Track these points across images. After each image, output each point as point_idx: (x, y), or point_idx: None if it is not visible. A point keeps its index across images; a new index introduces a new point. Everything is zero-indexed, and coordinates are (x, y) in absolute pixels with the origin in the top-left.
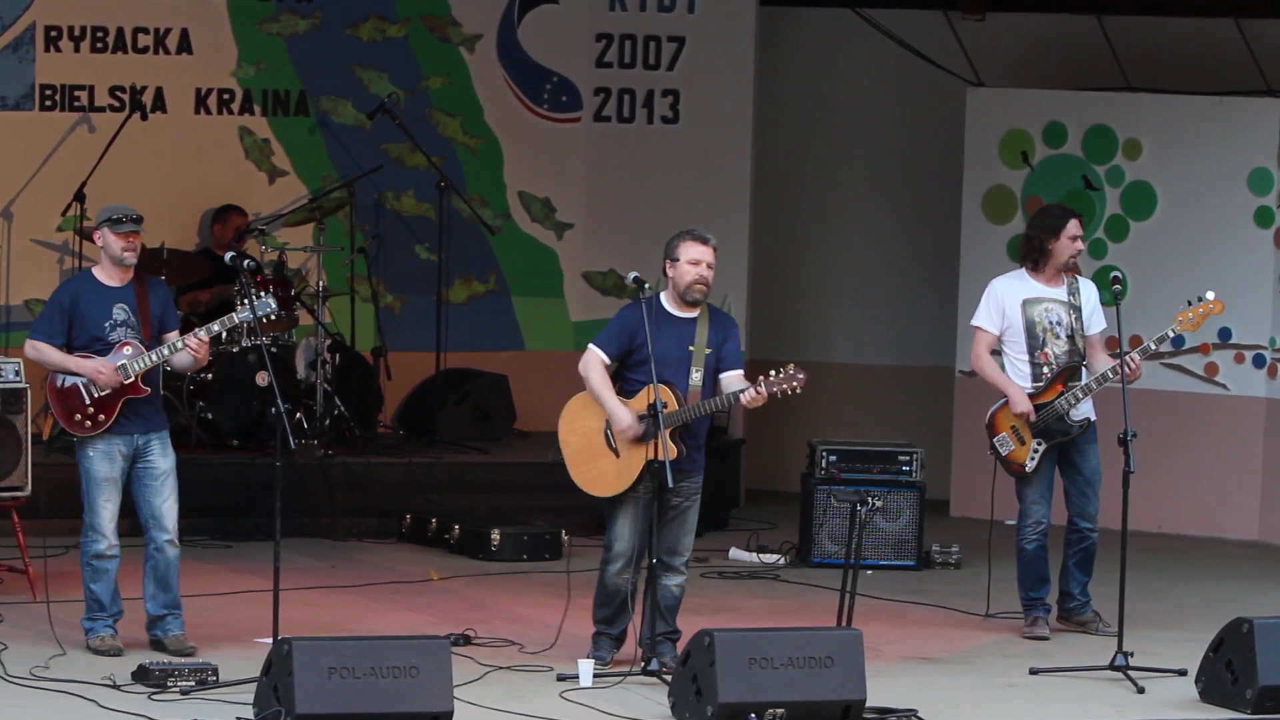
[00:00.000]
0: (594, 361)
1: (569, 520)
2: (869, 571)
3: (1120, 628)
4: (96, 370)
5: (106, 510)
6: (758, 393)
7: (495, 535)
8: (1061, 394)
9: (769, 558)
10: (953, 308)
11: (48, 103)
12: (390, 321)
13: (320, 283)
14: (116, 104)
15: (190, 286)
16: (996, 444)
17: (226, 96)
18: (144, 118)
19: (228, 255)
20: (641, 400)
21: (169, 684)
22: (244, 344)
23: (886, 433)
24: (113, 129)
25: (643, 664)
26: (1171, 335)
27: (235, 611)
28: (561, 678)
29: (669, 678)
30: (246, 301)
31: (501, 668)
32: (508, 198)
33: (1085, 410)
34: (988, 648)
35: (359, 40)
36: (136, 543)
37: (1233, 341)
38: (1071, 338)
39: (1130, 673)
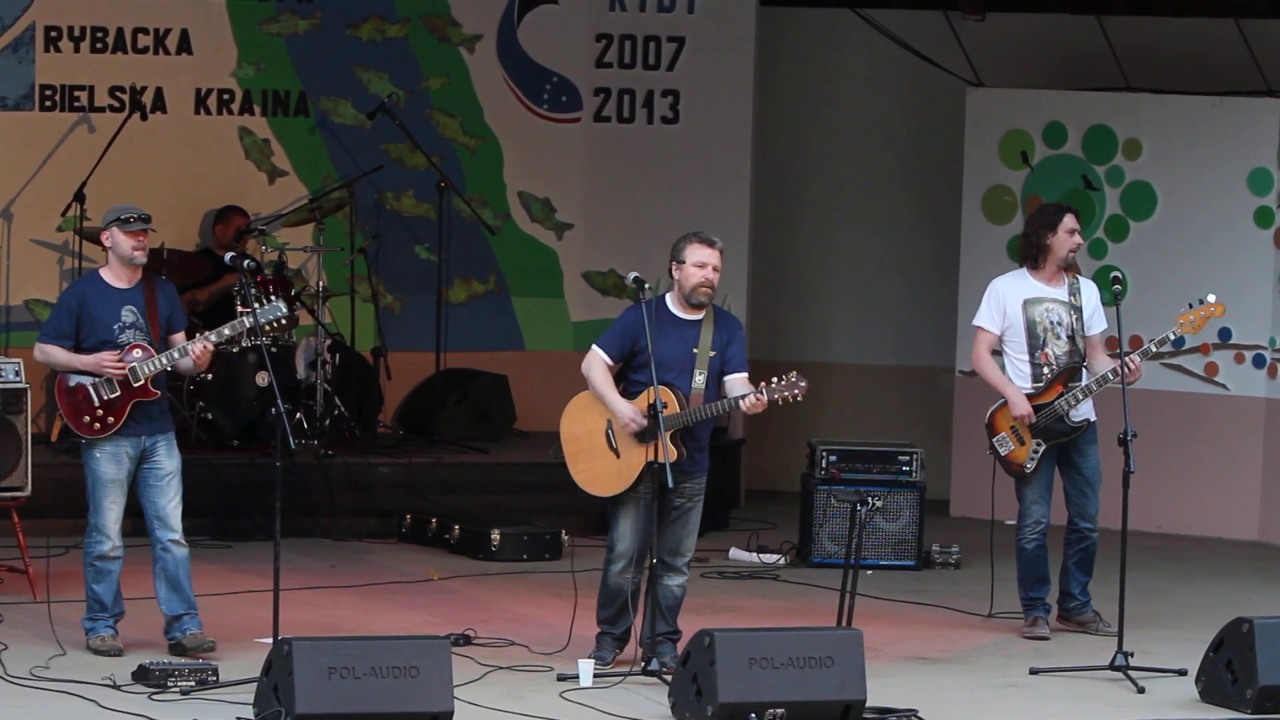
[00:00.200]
0: (596, 362)
1: (569, 520)
2: (869, 571)
3: (1120, 628)
4: (100, 363)
5: (112, 512)
6: (758, 399)
7: (495, 535)
8: (1061, 395)
9: (769, 558)
10: (953, 308)
11: (48, 103)
12: (390, 321)
13: (320, 283)
14: (116, 104)
15: (190, 287)
16: (996, 444)
17: (226, 97)
18: (144, 118)
19: (228, 255)
20: (642, 402)
21: (169, 684)
22: (244, 344)
23: (886, 433)
24: (113, 129)
25: (643, 664)
26: (1172, 337)
27: (235, 611)
28: (561, 678)
29: (669, 678)
30: (255, 306)
31: (501, 668)
32: (508, 198)
33: (1085, 411)
34: (988, 648)
35: (359, 40)
36: (138, 543)
37: (1233, 342)
38: (1072, 338)
39: (1130, 673)
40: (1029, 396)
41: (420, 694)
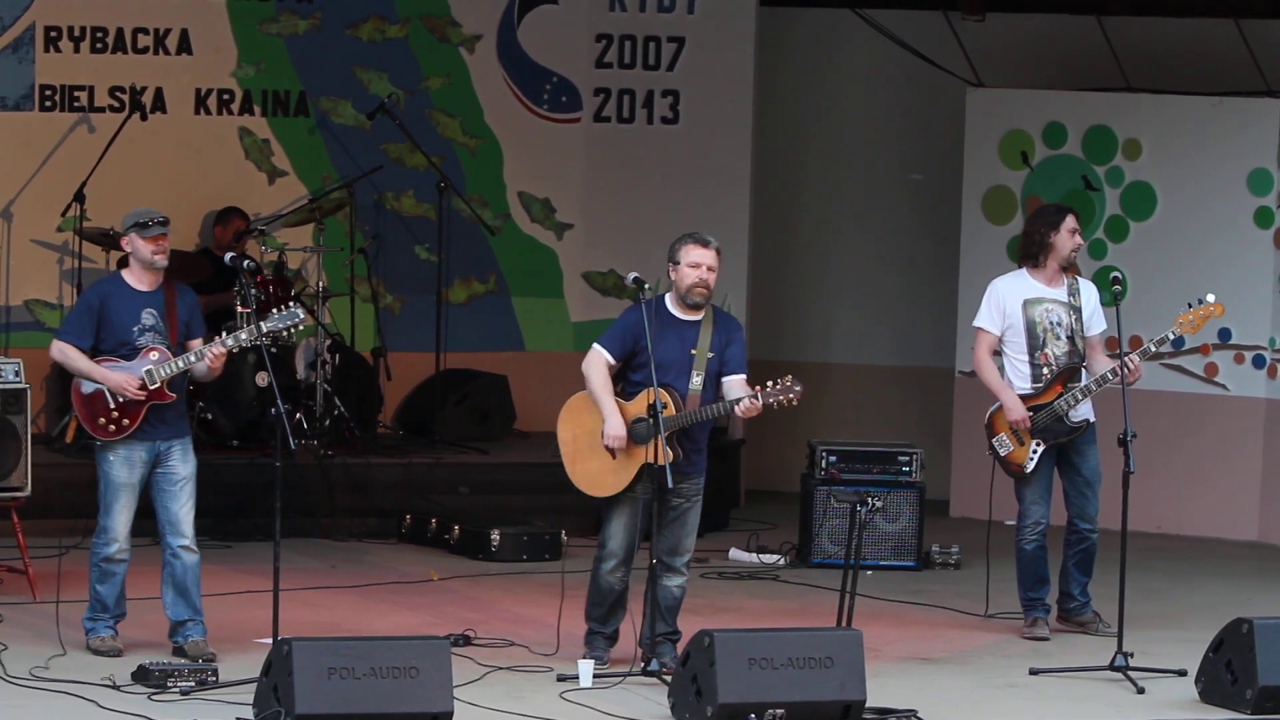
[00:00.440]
0: (597, 361)
1: (568, 520)
2: (869, 572)
3: (1120, 628)
4: (122, 385)
5: (123, 515)
6: (753, 403)
7: (495, 535)
8: (1061, 395)
9: (769, 558)
10: (953, 308)
11: (48, 103)
12: (390, 322)
13: (320, 283)
14: (116, 104)
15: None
16: (995, 445)
17: (226, 97)
18: (144, 118)
19: (227, 256)
20: (641, 402)
21: (169, 684)
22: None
23: (886, 433)
24: (112, 129)
25: (643, 664)
26: (1172, 337)
27: (235, 611)
28: (561, 678)
29: (669, 678)
30: (273, 311)
31: (501, 668)
32: (507, 198)
33: (1084, 411)
34: (987, 648)
35: (359, 40)
36: (143, 544)
37: (1232, 342)
38: (1072, 339)
39: (1130, 673)
40: (1028, 397)
41: (420, 694)
